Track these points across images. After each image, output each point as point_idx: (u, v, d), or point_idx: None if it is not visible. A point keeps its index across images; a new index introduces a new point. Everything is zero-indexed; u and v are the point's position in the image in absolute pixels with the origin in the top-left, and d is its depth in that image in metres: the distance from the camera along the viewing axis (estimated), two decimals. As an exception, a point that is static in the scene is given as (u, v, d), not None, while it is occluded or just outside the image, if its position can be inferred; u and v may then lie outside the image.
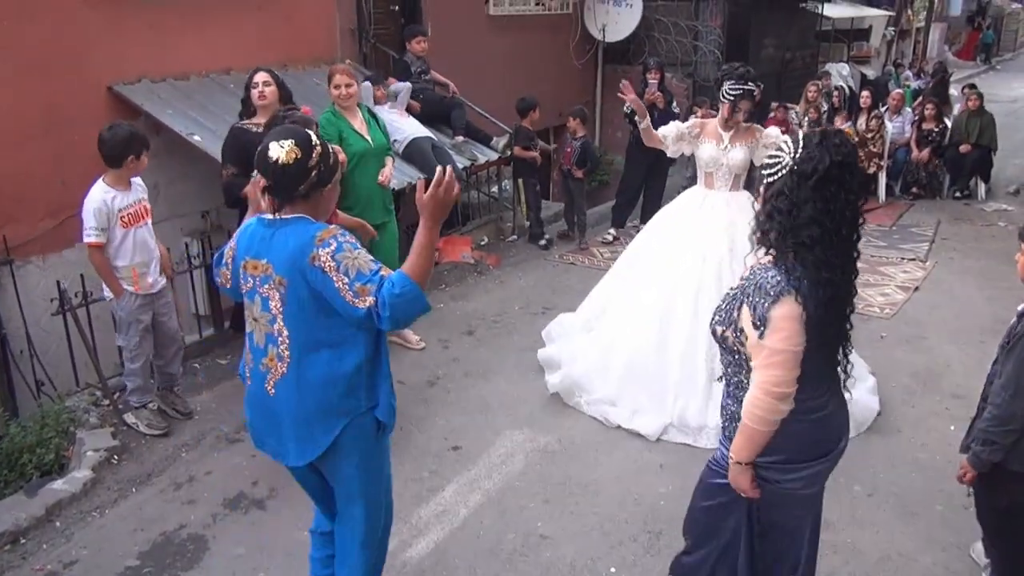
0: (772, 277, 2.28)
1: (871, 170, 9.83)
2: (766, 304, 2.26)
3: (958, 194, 9.94)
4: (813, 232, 2.23)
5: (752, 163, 4.67)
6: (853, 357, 4.83)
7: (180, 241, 5.90)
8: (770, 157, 2.34)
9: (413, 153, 6.74)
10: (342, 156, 5.03)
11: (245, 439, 4.59)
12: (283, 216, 2.54)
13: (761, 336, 2.28)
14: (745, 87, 4.52)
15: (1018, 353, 2.89)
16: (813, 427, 2.42)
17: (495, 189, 8.34)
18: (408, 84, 7.10)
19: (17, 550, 3.69)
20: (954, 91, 13.10)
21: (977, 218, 9.13)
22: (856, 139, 9.76)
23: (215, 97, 6.07)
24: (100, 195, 4.28)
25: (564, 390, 4.86)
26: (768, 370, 2.30)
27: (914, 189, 10.08)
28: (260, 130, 4.67)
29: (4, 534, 3.71)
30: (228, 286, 2.81)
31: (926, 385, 5.10)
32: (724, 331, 2.42)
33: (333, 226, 2.53)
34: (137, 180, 4.51)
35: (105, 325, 5.10)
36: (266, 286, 2.56)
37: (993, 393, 2.99)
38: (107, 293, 4.50)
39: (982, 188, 9.99)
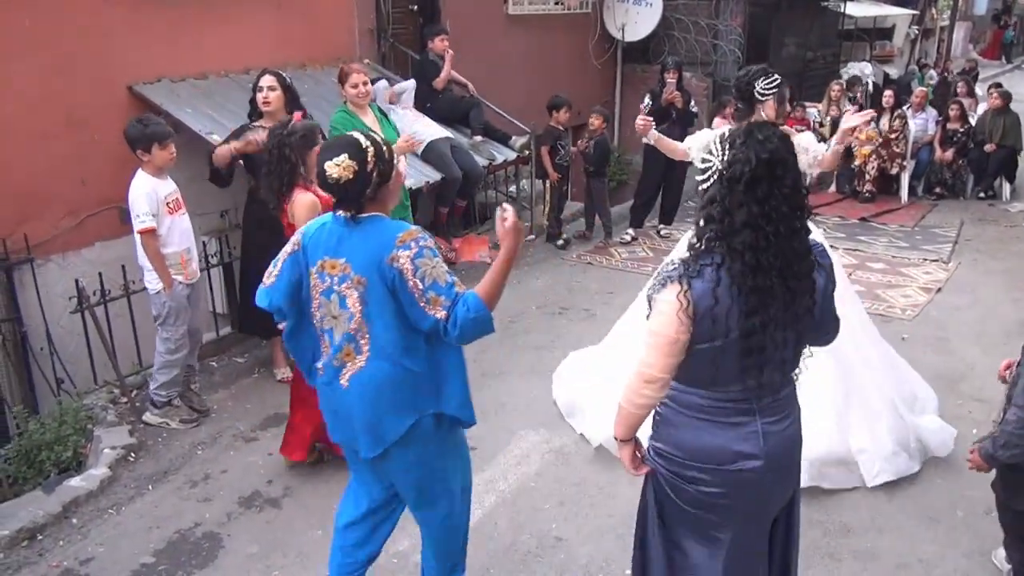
0: (670, 264, 2.29)
1: (894, 170, 9.74)
2: (655, 287, 2.25)
3: (982, 195, 9.81)
4: (745, 237, 2.13)
5: None
6: (915, 373, 4.68)
7: (199, 240, 5.91)
8: (703, 162, 2.25)
9: (432, 156, 6.74)
10: (404, 143, 5.10)
11: (261, 438, 4.61)
12: (359, 215, 2.60)
13: (647, 317, 2.28)
14: (776, 79, 4.29)
15: None
16: (696, 428, 2.33)
17: (513, 189, 8.31)
18: (412, 82, 7.06)
19: (34, 546, 3.72)
20: (979, 90, 12.94)
21: (1001, 219, 9.00)
22: (880, 139, 9.67)
23: (233, 96, 6.09)
24: (146, 182, 4.40)
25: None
26: (643, 351, 2.28)
27: (937, 189, 9.97)
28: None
29: (22, 530, 3.74)
30: (270, 283, 2.76)
31: (948, 388, 5.02)
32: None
33: (415, 227, 2.58)
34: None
35: (124, 323, 5.14)
36: (344, 284, 2.60)
37: (1017, 394, 2.92)
38: (150, 285, 4.52)
39: (1007, 189, 9.85)
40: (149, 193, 4.37)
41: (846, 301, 4.52)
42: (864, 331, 4.44)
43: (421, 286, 2.47)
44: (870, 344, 4.42)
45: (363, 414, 2.66)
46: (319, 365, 2.77)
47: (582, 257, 7.69)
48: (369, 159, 2.54)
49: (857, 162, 9.73)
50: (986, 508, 3.64)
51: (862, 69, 14.72)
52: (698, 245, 2.24)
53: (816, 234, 4.39)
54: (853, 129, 4.80)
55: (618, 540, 3.67)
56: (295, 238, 2.77)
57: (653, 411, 2.42)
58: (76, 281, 4.86)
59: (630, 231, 8.15)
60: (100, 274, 4.96)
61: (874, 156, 9.64)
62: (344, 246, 2.61)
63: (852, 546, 3.63)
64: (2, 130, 5.09)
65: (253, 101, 4.99)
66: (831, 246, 7.67)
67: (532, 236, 8.21)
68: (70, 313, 4.95)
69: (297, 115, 4.56)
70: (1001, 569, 3.42)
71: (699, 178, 2.26)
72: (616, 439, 2.48)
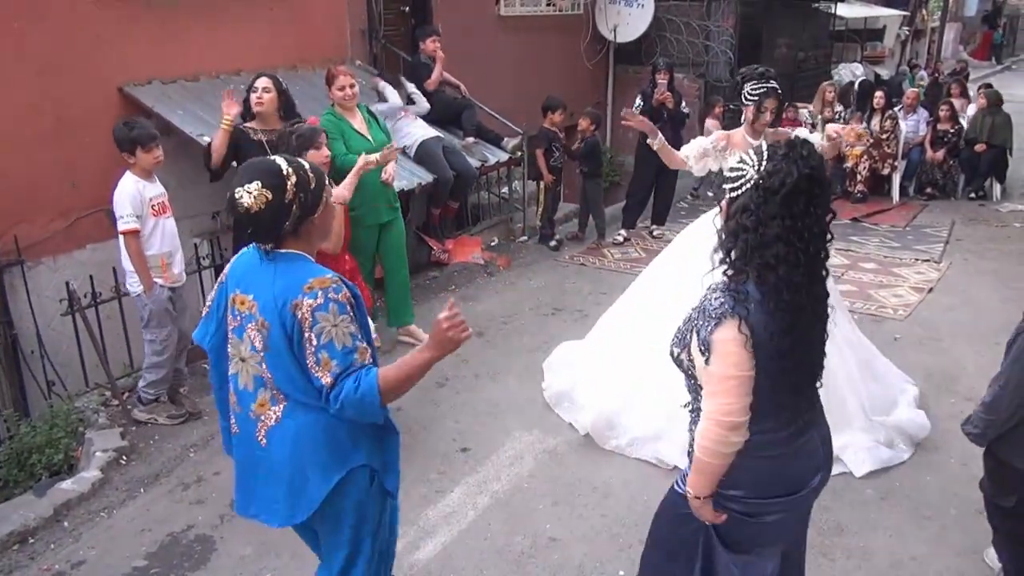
0: (716, 299, 2.16)
1: (885, 171, 9.76)
2: (709, 328, 2.14)
3: (973, 195, 9.84)
4: (779, 251, 2.09)
5: None
6: (890, 368, 4.73)
7: (190, 242, 5.89)
8: (732, 170, 2.20)
9: (424, 156, 6.73)
10: (384, 156, 4.98)
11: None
12: (277, 250, 2.31)
13: (707, 362, 2.16)
14: (767, 85, 4.30)
15: (1018, 346, 2.93)
16: (772, 464, 2.27)
17: (505, 190, 8.31)
18: (394, 104, 7.01)
19: (25, 550, 3.70)
20: (970, 91, 13.00)
21: (992, 219, 9.04)
22: (871, 139, 9.69)
23: (225, 98, 6.07)
24: (132, 183, 4.43)
25: (598, 432, 4.41)
26: (716, 398, 2.17)
27: (928, 190, 9.99)
28: (257, 136, 4.76)
29: (13, 534, 3.72)
30: (204, 314, 2.53)
31: (940, 387, 5.04)
32: (679, 354, 2.28)
33: (330, 275, 2.27)
34: (155, 176, 4.61)
35: (114, 325, 5.12)
36: (251, 325, 2.32)
37: (991, 380, 3.06)
38: (131, 288, 4.55)
39: (997, 189, 9.89)
40: (134, 195, 4.39)
41: (836, 305, 4.57)
42: (847, 342, 4.47)
43: (315, 343, 2.18)
44: (852, 354, 4.47)
45: (285, 476, 2.35)
46: (232, 421, 2.45)
47: (575, 258, 7.69)
48: (288, 188, 2.21)
49: (849, 163, 9.75)
50: (978, 507, 3.63)
51: (853, 70, 14.81)
52: (728, 261, 2.18)
53: None
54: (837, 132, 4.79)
55: (612, 540, 3.67)
56: (226, 267, 2.50)
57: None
58: (67, 283, 4.85)
59: (622, 232, 8.16)
60: (91, 276, 4.94)
61: (865, 157, 9.65)
62: (255, 281, 2.32)
63: (845, 545, 3.64)
64: (-8, 132, 5.07)
65: (247, 102, 4.97)
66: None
67: (525, 237, 8.21)
68: (61, 315, 4.94)
69: (312, 119, 4.57)
70: (992, 568, 3.43)
71: (728, 186, 2.20)
72: (696, 497, 2.31)
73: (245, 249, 2.44)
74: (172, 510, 3.98)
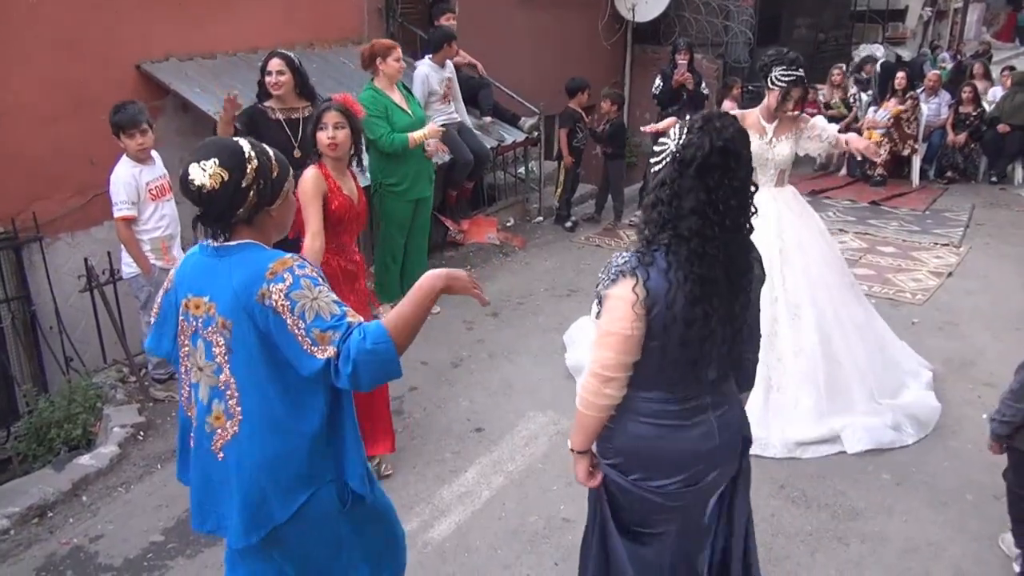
0: (621, 258, 2.18)
1: (905, 152, 9.65)
2: (606, 283, 2.18)
3: (994, 178, 9.72)
4: (692, 224, 2.10)
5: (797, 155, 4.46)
6: (906, 351, 4.68)
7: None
8: (657, 145, 2.21)
9: (444, 138, 6.71)
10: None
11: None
12: (227, 244, 2.12)
13: (597, 315, 2.22)
14: (797, 73, 4.20)
15: None
16: (654, 435, 2.26)
17: (521, 170, 8.27)
18: None
19: (45, 523, 3.75)
20: (993, 73, 12.81)
21: (1013, 203, 8.92)
22: (892, 120, 9.57)
23: (242, 76, 6.05)
24: (127, 169, 4.41)
25: None
26: (597, 350, 2.21)
27: (949, 173, 9.87)
28: (276, 116, 4.71)
29: (32, 507, 3.77)
30: (153, 322, 2.34)
31: (958, 372, 5.00)
32: (595, 307, 2.30)
33: (289, 256, 2.09)
34: (157, 157, 4.59)
35: (132, 302, 5.14)
36: (209, 328, 2.12)
37: (1019, 366, 3.04)
38: (127, 271, 4.56)
39: (1019, 173, 9.75)
40: (128, 181, 4.38)
41: (844, 289, 4.55)
42: (855, 326, 4.45)
43: (302, 324, 1.97)
44: (860, 339, 4.44)
45: (240, 491, 2.13)
46: (191, 433, 2.23)
47: (590, 239, 7.66)
48: (248, 172, 2.05)
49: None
50: (994, 492, 3.63)
51: (874, 51, 14.60)
52: (645, 231, 2.19)
53: (803, 220, 4.40)
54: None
55: (626, 522, 3.67)
56: (171, 272, 2.31)
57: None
58: (85, 260, 4.87)
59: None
60: (108, 253, 4.96)
61: (886, 139, 9.56)
62: (208, 281, 2.12)
63: (860, 529, 3.63)
64: (11, 110, 5.08)
65: (262, 83, 4.95)
66: (840, 229, 7.73)
67: (540, 218, 8.19)
68: (79, 292, 4.96)
69: (344, 95, 4.54)
70: (1009, 555, 3.41)
71: (652, 160, 2.21)
72: (572, 451, 2.37)
73: (191, 251, 2.26)
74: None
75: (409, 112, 5.38)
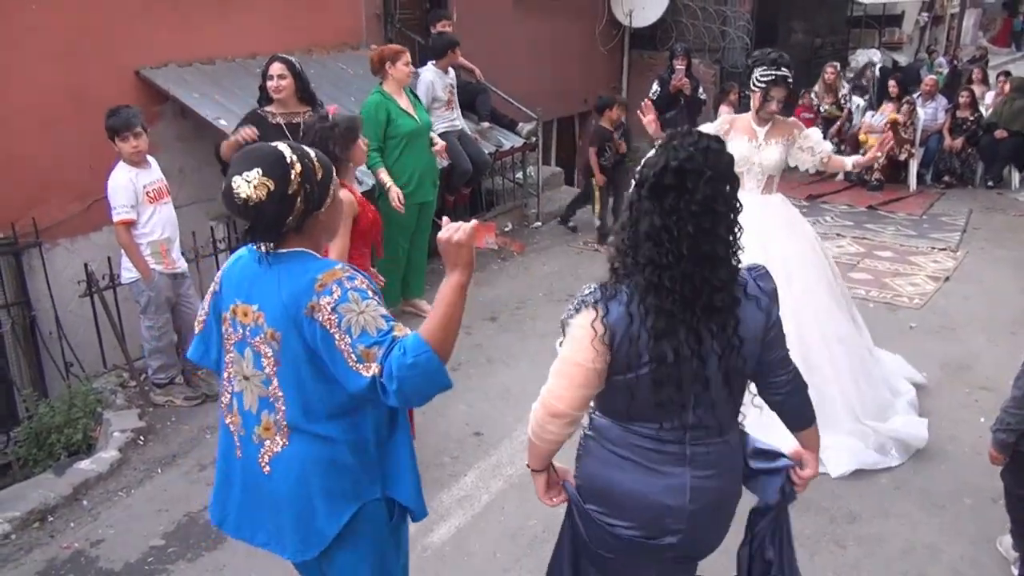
0: (587, 288, 2.04)
1: (902, 156, 9.69)
2: (571, 312, 2.04)
3: (991, 183, 9.76)
4: (647, 251, 1.93)
5: (787, 164, 4.35)
6: (895, 365, 4.60)
7: (206, 225, 5.93)
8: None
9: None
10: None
11: (269, 422, 4.63)
12: (278, 251, 2.06)
13: (560, 343, 2.08)
14: (777, 72, 4.10)
15: None
16: (620, 466, 2.09)
17: (519, 175, 8.30)
18: None
19: (45, 528, 3.77)
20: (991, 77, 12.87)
21: (1010, 207, 8.96)
22: (888, 126, 9.61)
23: (241, 81, 6.09)
24: (124, 173, 4.43)
25: None
26: (551, 378, 2.08)
27: (946, 178, 9.90)
28: (276, 120, 4.73)
29: (33, 512, 3.78)
30: (200, 330, 2.29)
31: (955, 376, 5.02)
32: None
33: (339, 266, 2.04)
34: (153, 161, 4.61)
35: (132, 307, 5.15)
36: (257, 338, 2.07)
37: (1017, 376, 3.03)
38: (127, 276, 4.58)
39: (1016, 177, 9.79)
40: (126, 184, 4.39)
41: (832, 305, 4.37)
42: (838, 339, 4.28)
43: (348, 340, 1.92)
44: (844, 352, 4.26)
45: (291, 506, 2.11)
46: (237, 443, 2.19)
47: (588, 244, 7.68)
48: (293, 178, 1.97)
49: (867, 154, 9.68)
50: (992, 495, 3.64)
51: (871, 56, 14.65)
52: (615, 259, 2.03)
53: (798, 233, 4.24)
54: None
55: (624, 525, 3.69)
56: (217, 276, 2.26)
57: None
58: (85, 265, 4.89)
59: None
60: (108, 258, 4.98)
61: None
62: (257, 289, 2.07)
63: (857, 532, 3.65)
64: (10, 115, 5.11)
65: (263, 87, 4.98)
66: (838, 234, 7.76)
67: (538, 223, 8.21)
68: (79, 297, 4.98)
69: (332, 108, 4.57)
70: (1007, 557, 3.43)
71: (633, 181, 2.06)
72: (527, 465, 2.27)
73: (239, 252, 2.21)
74: (189, 490, 4.02)
75: (415, 117, 5.41)
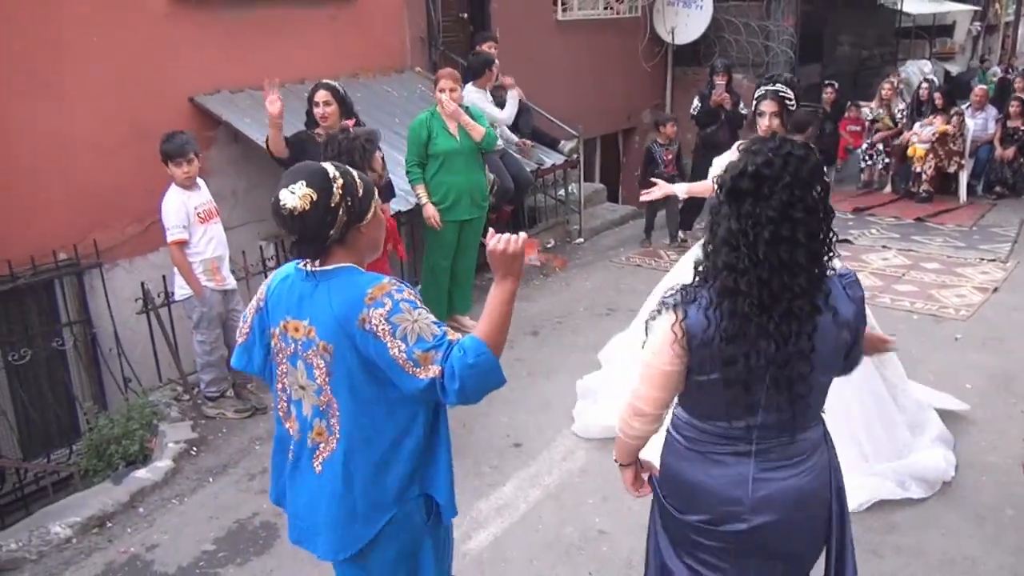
0: (669, 292, 2.11)
1: (951, 168, 9.56)
2: (653, 315, 2.11)
3: (1045, 193, 9.58)
4: (725, 255, 1.97)
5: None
6: (914, 403, 4.28)
7: (256, 244, 6.15)
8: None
9: (487, 163, 6.88)
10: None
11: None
12: (324, 267, 2.18)
13: (643, 345, 2.16)
14: (768, 87, 4.00)
15: None
16: (689, 459, 2.19)
17: (561, 192, 8.40)
18: None
19: (104, 533, 3.95)
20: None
21: (1064, 218, 8.78)
22: (936, 136, 9.48)
23: (290, 106, 6.22)
24: (177, 196, 4.62)
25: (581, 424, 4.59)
26: (637, 381, 2.17)
27: (997, 188, 9.74)
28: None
29: (92, 518, 3.98)
30: (243, 341, 2.39)
31: (1001, 388, 4.96)
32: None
33: (387, 279, 2.14)
34: (202, 183, 4.81)
35: (186, 324, 5.36)
36: (309, 351, 2.19)
37: None
38: (180, 293, 4.78)
39: (1070, 186, 9.60)
40: (178, 206, 4.59)
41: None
42: (848, 382, 3.97)
43: (404, 347, 2.03)
44: (855, 395, 3.91)
45: (333, 506, 2.23)
46: (290, 447, 2.33)
47: (630, 259, 7.73)
48: (335, 191, 2.10)
49: (916, 167, 9.57)
50: (1034, 507, 3.61)
51: (921, 67, 14.45)
52: (699, 263, 2.10)
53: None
54: None
55: (660, 534, 3.73)
56: (259, 291, 2.37)
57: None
58: (142, 284, 5.11)
59: (680, 233, 8.17)
60: (164, 277, 5.20)
61: (931, 155, 9.48)
62: (307, 305, 2.18)
63: (896, 543, 3.63)
64: (72, 142, 5.39)
65: (310, 112, 5.16)
66: (883, 246, 7.67)
67: (580, 240, 8.29)
68: (136, 314, 5.20)
69: (349, 122, 4.73)
70: (1049, 568, 3.39)
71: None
72: (615, 460, 2.39)
73: (283, 271, 2.32)
74: (239, 498, 4.18)
75: (456, 137, 5.53)
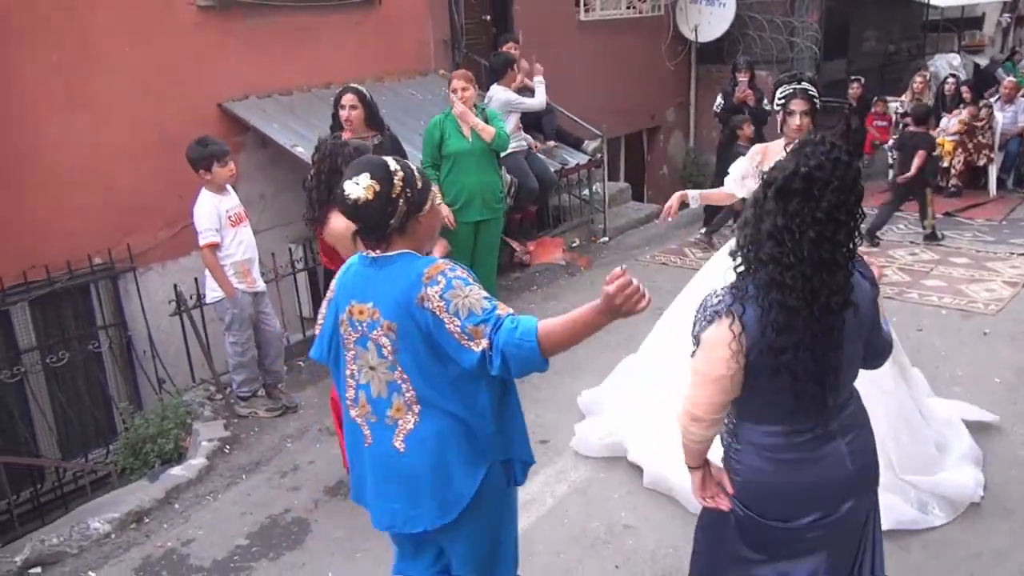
0: (716, 296, 2.17)
1: (981, 162, 9.47)
2: (703, 324, 2.16)
3: (1076, 186, 9.46)
4: (770, 249, 2.05)
5: None
6: (942, 417, 4.23)
7: (285, 247, 6.25)
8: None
9: (509, 163, 6.91)
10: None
11: (345, 432, 4.86)
12: (385, 253, 2.34)
13: (692, 355, 2.20)
14: (797, 86, 3.90)
15: None
16: (776, 470, 2.24)
17: (586, 192, 8.43)
18: None
19: (141, 528, 4.06)
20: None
21: (1097, 210, 8.67)
22: (963, 129, 9.39)
23: (316, 110, 6.40)
24: (209, 199, 4.70)
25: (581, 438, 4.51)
26: (692, 388, 2.22)
27: (1028, 182, 9.65)
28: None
29: (130, 514, 4.09)
30: (320, 331, 2.53)
31: (1030, 382, 4.93)
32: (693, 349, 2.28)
33: (442, 260, 2.31)
34: (231, 188, 4.87)
35: (218, 326, 5.47)
36: (375, 331, 2.33)
37: None
38: (212, 295, 4.86)
39: (1103, 179, 9.47)
40: (210, 210, 4.66)
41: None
42: (880, 391, 3.71)
43: (457, 321, 2.18)
44: (882, 405, 3.66)
45: (428, 478, 2.35)
46: (366, 432, 2.44)
47: (656, 258, 7.75)
48: (396, 183, 2.26)
49: (944, 162, 9.47)
50: (1063, 500, 3.59)
51: (950, 60, 14.28)
52: (738, 255, 2.17)
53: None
54: None
55: (686, 527, 3.72)
56: (333, 283, 2.53)
57: (725, 450, 2.37)
58: (175, 286, 5.22)
59: (703, 231, 8.17)
60: (196, 280, 5.31)
61: (960, 149, 9.39)
62: (371, 289, 2.34)
63: (924, 536, 3.62)
64: (106, 150, 5.52)
65: (335, 116, 5.25)
66: (911, 241, 7.62)
67: (606, 238, 8.32)
68: (169, 316, 5.31)
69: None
70: (1078, 560, 3.37)
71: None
72: (686, 463, 2.41)
73: (350, 261, 2.48)
74: (271, 495, 4.27)
75: (468, 138, 5.58)
